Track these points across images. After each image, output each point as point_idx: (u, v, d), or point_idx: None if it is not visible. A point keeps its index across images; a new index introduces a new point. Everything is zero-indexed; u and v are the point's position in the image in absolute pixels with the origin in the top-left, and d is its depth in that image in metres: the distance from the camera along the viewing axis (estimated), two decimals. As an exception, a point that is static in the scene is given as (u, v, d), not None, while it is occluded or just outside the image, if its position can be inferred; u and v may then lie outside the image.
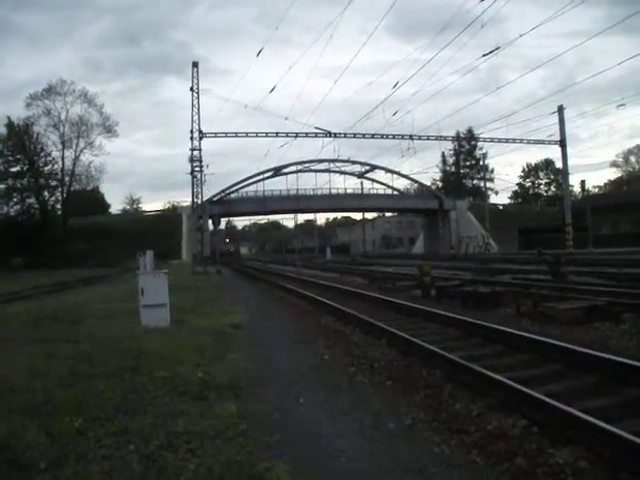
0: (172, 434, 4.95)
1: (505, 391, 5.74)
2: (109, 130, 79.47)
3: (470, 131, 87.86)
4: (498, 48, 25.81)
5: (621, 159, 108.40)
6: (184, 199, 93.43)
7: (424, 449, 4.67)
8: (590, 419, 4.54)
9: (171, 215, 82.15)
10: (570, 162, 58.30)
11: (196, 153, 50.22)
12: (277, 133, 55.72)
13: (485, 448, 4.56)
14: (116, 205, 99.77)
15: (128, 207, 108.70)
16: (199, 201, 53.12)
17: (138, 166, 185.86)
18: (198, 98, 51.02)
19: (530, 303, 12.06)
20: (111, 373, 7.15)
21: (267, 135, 56.33)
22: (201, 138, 51.31)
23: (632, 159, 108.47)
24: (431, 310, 11.88)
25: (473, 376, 6.47)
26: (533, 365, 7.24)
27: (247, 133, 57.57)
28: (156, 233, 65.92)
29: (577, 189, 77.52)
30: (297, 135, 55.61)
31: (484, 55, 21.60)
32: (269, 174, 73.01)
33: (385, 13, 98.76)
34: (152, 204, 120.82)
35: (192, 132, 50.78)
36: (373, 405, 5.98)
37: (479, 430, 4.93)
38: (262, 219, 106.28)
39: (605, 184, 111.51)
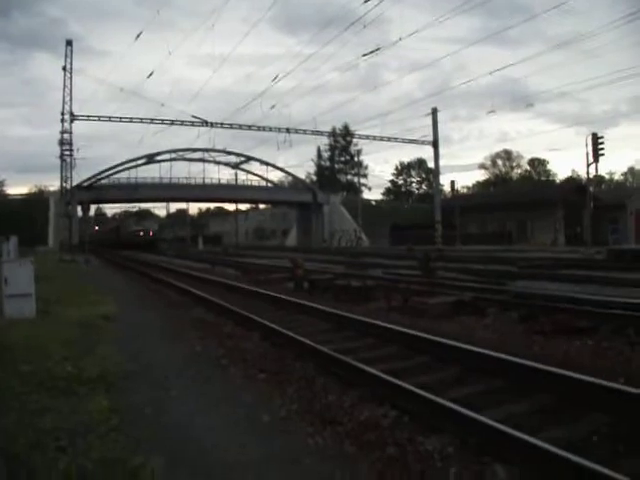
0: (40, 432, 4.69)
1: (376, 382, 5.90)
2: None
3: (346, 127, 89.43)
4: (378, 49, 26.42)
5: (489, 162, 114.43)
6: (52, 183, 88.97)
7: (298, 441, 4.70)
8: (457, 408, 4.75)
9: (38, 200, 77.98)
10: (441, 162, 60.86)
11: (66, 136, 48.50)
12: (152, 119, 54.47)
13: (358, 438, 4.65)
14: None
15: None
16: (68, 186, 51.16)
17: (4, 146, 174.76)
18: (71, 78, 49.31)
19: (400, 297, 12.43)
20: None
21: (142, 121, 54.90)
22: (72, 120, 49.61)
23: (499, 162, 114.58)
24: (304, 303, 12.00)
25: (345, 368, 6.60)
26: (403, 357, 7.47)
27: (121, 118, 55.62)
28: (21, 218, 62.40)
29: (447, 188, 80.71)
30: (173, 122, 54.68)
31: (364, 55, 22.14)
32: (142, 161, 70.95)
33: (270, 5, 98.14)
34: (18, 187, 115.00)
35: (63, 114, 48.94)
36: (246, 398, 5.95)
37: (351, 421, 5.03)
38: (133, 207, 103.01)
39: (473, 185, 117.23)
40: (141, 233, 74.85)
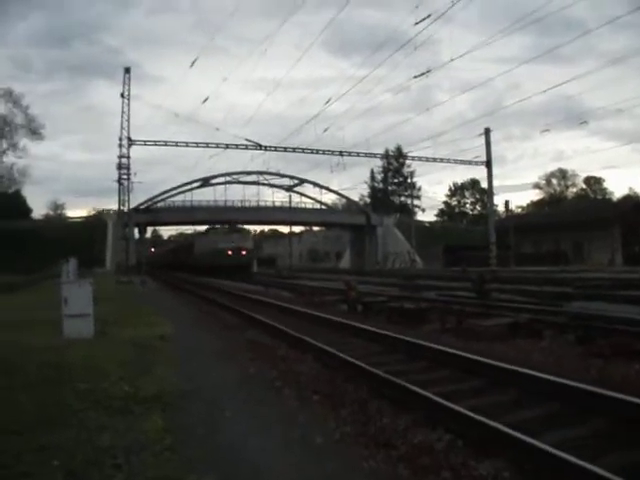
0: (97, 449, 4.82)
1: (430, 406, 5.86)
2: (34, 132, 77.13)
3: (399, 149, 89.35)
4: (429, 71, 26.42)
5: (543, 181, 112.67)
6: (110, 207, 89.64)
7: (352, 463, 4.70)
8: (512, 432, 4.69)
9: (96, 222, 79.93)
10: (495, 182, 60.22)
11: (124, 160, 49.53)
12: (207, 144, 55.24)
13: (412, 462, 4.63)
14: (39, 210, 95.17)
15: (51, 212, 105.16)
16: (125, 209, 52.26)
17: (64, 171, 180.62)
18: (129, 104, 50.40)
19: (455, 320, 12.31)
20: (31, 385, 6.94)
21: (197, 145, 55.74)
22: (130, 145, 50.72)
23: (554, 181, 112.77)
24: (357, 325, 11.98)
25: (398, 391, 6.57)
26: (457, 380, 7.40)
27: (177, 142, 56.64)
28: (80, 240, 63.90)
29: (501, 209, 79.83)
30: (227, 146, 55.35)
31: (415, 77, 22.11)
32: (197, 184, 72.33)
33: (322, 29, 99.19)
34: (77, 210, 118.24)
35: (121, 139, 50.13)
36: (300, 420, 5.98)
37: (405, 444, 5.00)
38: (189, 229, 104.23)
39: (528, 205, 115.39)
40: (229, 252, 51.16)
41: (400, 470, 4.51)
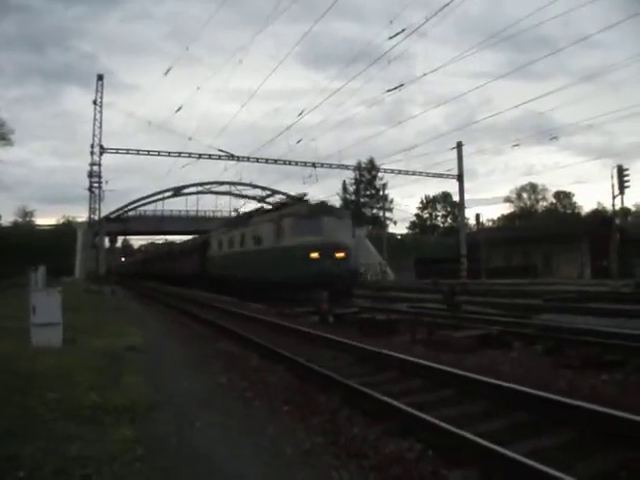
0: (66, 459, 4.76)
1: (401, 416, 5.89)
2: (3, 137, 76.00)
3: (371, 161, 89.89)
4: (402, 85, 26.64)
5: (514, 195, 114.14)
6: (80, 214, 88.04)
7: (322, 474, 4.69)
8: (481, 441, 4.73)
9: (66, 230, 79.06)
10: (466, 196, 60.60)
11: (95, 168, 49.19)
12: (180, 153, 55.00)
13: (383, 471, 4.64)
14: (7, 217, 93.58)
15: (20, 219, 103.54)
16: (96, 217, 51.80)
17: (34, 177, 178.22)
18: (101, 112, 50.04)
19: (425, 331, 12.37)
20: (-3, 395, 6.84)
21: (170, 154, 55.46)
22: (102, 153, 50.32)
23: (524, 195, 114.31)
24: (329, 336, 11.98)
25: (369, 401, 6.59)
26: (427, 391, 7.44)
27: (149, 151, 56.31)
28: (49, 248, 63.11)
29: (472, 222, 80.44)
30: (200, 156, 55.18)
31: (388, 90, 22.28)
32: (169, 194, 72.06)
33: (297, 41, 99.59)
34: (47, 218, 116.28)
35: (92, 146, 49.80)
36: (270, 430, 5.97)
37: (377, 454, 5.01)
38: (160, 239, 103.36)
39: (498, 218, 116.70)
40: (314, 254, 22.84)
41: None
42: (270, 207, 32.91)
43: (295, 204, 27.46)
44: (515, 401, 6.35)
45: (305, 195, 28.05)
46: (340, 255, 23.45)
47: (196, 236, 52.89)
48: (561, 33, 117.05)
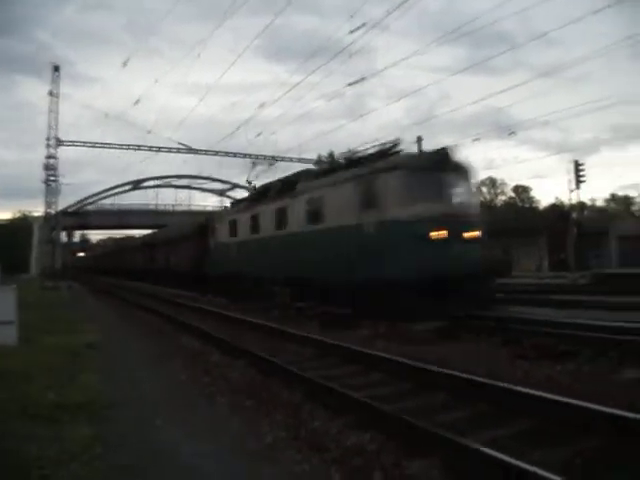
0: (23, 459, 4.71)
1: (362, 409, 5.93)
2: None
3: (331, 155, 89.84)
4: (363, 79, 26.66)
5: (474, 189, 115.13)
6: (37, 209, 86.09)
7: (285, 468, 4.72)
8: (441, 432, 4.81)
9: (22, 225, 77.58)
10: (427, 189, 60.91)
11: (52, 161, 48.37)
12: (139, 146, 54.50)
13: (344, 464, 4.68)
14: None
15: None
16: (53, 211, 50.99)
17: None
18: (57, 103, 49.20)
19: (386, 324, 12.42)
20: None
21: (129, 147, 54.92)
22: (58, 145, 49.46)
23: (484, 189, 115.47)
24: (290, 331, 12.00)
25: (331, 395, 6.63)
26: (388, 383, 7.51)
27: (108, 144, 55.70)
28: (4, 244, 61.83)
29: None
30: (159, 149, 54.69)
31: (349, 84, 22.25)
32: (128, 187, 71.27)
33: (257, 34, 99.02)
34: (1, 212, 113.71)
35: (48, 139, 48.89)
36: (232, 425, 5.97)
37: (339, 447, 5.05)
38: (119, 233, 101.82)
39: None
40: (437, 233, 13.31)
41: (332, 472, 4.56)
42: (328, 166, 21.29)
43: (391, 152, 15.60)
44: (472, 391, 6.47)
45: (398, 141, 15.79)
46: (472, 235, 13.98)
47: (185, 221, 43.51)
48: (520, 29, 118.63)
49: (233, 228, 23.87)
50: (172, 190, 75.34)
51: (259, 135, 49.21)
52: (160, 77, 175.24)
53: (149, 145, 54.64)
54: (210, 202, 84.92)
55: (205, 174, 68.93)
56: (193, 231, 31.04)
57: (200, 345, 11.57)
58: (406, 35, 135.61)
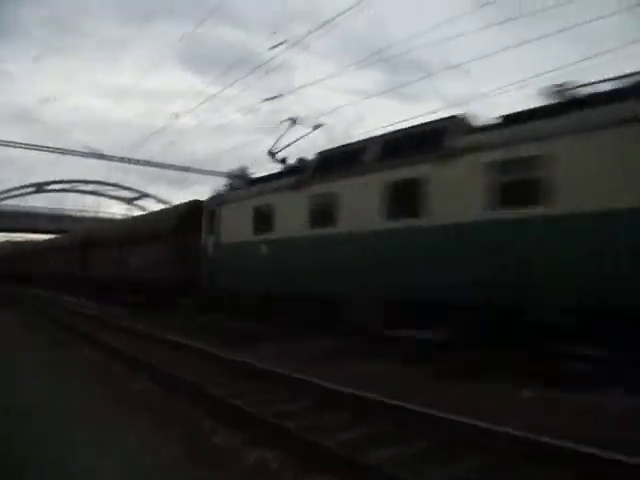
0: None
1: (264, 425, 5.94)
2: None
3: (242, 169, 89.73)
4: (281, 95, 26.98)
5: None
6: None
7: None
8: (339, 450, 4.88)
9: None
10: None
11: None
12: (47, 147, 52.68)
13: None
14: None
15: None
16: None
17: None
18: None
19: (290, 341, 12.42)
20: None
21: (36, 147, 52.97)
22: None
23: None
24: (194, 345, 11.89)
25: (233, 411, 6.60)
26: (291, 401, 7.52)
27: (13, 143, 53.44)
28: None
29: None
30: (70, 152, 53.07)
31: (266, 99, 22.30)
32: (32, 189, 68.86)
33: (178, 40, 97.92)
34: None
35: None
36: (130, 440, 5.83)
37: (240, 463, 5.03)
38: (19, 237, 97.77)
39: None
40: None
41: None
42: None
43: None
44: (372, 410, 6.58)
45: None
46: None
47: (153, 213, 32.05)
48: (435, 58, 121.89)
49: (264, 218, 15.59)
50: (80, 195, 73.34)
51: (173, 144, 48.48)
52: (73, 76, 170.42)
53: (57, 147, 52.89)
54: (120, 209, 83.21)
55: (113, 180, 67.50)
56: (171, 225, 21.70)
57: (101, 357, 11.27)
58: (327, 56, 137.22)
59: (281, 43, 22.82)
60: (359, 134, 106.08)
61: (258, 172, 17.76)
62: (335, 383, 7.73)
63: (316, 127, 16.63)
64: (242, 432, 5.93)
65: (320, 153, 14.68)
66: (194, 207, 20.69)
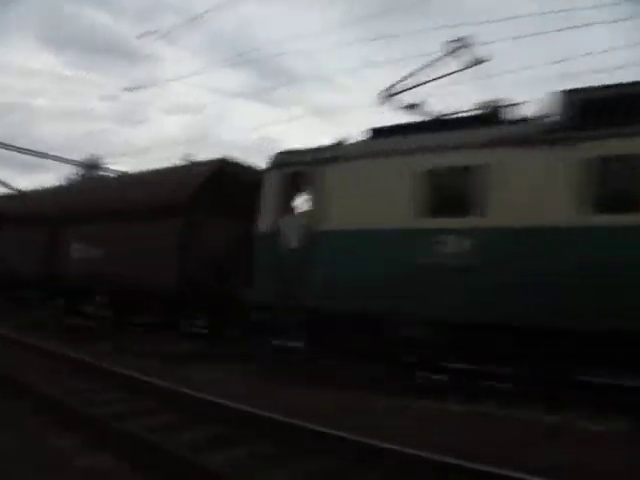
0: None
1: (97, 427, 5.78)
2: None
3: (93, 159, 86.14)
4: (144, 87, 26.15)
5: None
6: None
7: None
8: (178, 452, 4.86)
9: None
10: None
11: None
12: None
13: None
14: None
15: None
16: None
17: None
18: None
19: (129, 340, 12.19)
20: None
21: None
22: None
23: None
24: (30, 342, 11.40)
25: (64, 411, 6.39)
26: (131, 401, 7.35)
27: None
28: None
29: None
30: None
31: (127, 89, 21.58)
32: None
33: (35, 14, 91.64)
34: None
35: None
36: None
37: (71, 466, 4.84)
38: None
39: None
40: None
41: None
42: None
43: None
44: (214, 414, 6.54)
45: None
46: None
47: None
48: (304, 67, 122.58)
49: (451, 191, 9.15)
50: None
51: (22, 125, 45.41)
52: None
53: None
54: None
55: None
56: (178, 197, 13.30)
57: None
58: (196, 52, 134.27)
59: (148, 33, 22.23)
60: (220, 132, 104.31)
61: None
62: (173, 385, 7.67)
63: None
64: (76, 433, 5.73)
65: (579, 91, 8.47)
66: (219, 171, 13.63)
